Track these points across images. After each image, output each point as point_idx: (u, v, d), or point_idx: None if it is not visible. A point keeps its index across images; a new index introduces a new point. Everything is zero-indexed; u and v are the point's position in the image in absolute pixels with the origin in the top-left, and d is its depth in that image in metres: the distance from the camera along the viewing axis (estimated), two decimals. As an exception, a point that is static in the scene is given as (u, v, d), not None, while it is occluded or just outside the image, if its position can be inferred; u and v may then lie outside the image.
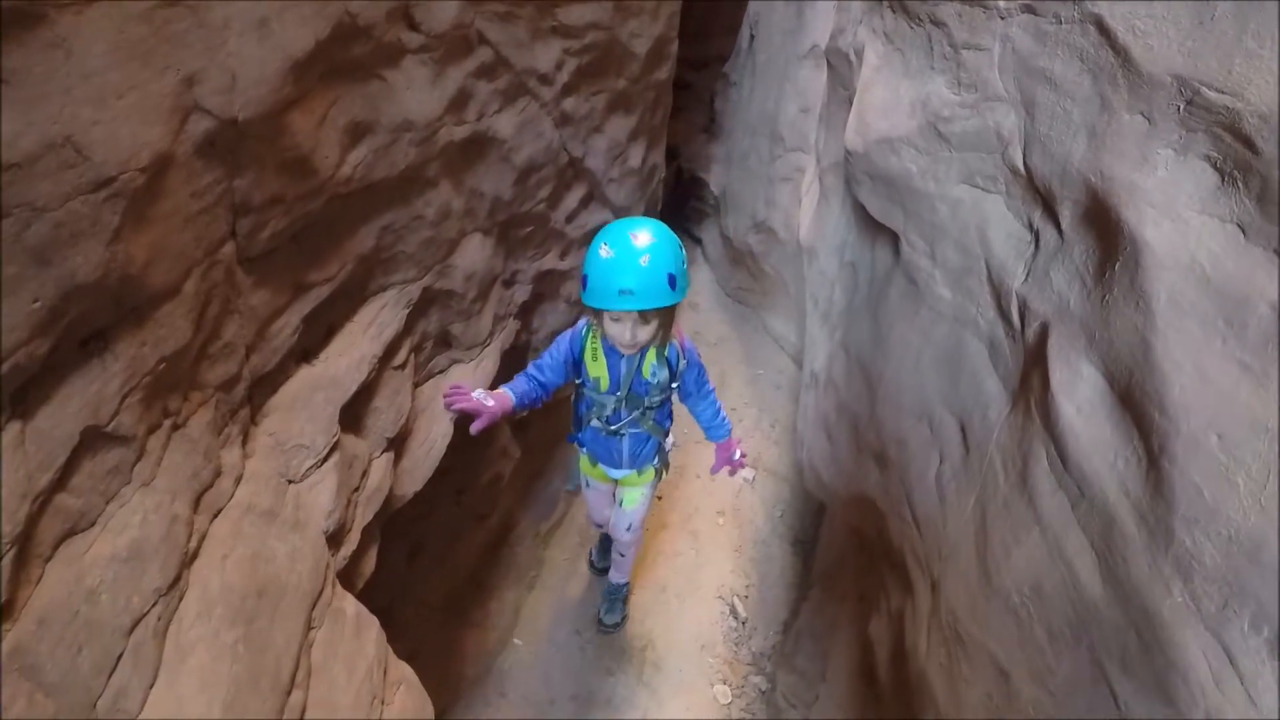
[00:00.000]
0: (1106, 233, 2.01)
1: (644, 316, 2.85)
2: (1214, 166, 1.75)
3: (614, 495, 4.03)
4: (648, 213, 4.94)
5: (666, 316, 2.98)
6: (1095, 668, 1.85)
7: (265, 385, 2.28)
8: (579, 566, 4.94)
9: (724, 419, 3.60)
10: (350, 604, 2.29)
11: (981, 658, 2.31)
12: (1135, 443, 1.81)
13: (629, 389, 3.24)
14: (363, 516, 2.51)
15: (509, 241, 3.57)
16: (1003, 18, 2.52)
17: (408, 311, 2.84)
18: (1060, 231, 2.23)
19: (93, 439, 1.61)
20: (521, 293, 3.85)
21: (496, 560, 4.63)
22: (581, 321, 3.25)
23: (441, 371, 3.29)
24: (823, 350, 4.41)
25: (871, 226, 3.58)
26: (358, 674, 2.16)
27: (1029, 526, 2.15)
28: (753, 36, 6.58)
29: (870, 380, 3.53)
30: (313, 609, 2.10)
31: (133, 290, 1.65)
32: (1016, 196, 2.48)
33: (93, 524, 1.63)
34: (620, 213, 4.41)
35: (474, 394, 3.09)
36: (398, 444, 2.82)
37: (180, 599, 1.78)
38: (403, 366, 2.87)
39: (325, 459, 2.34)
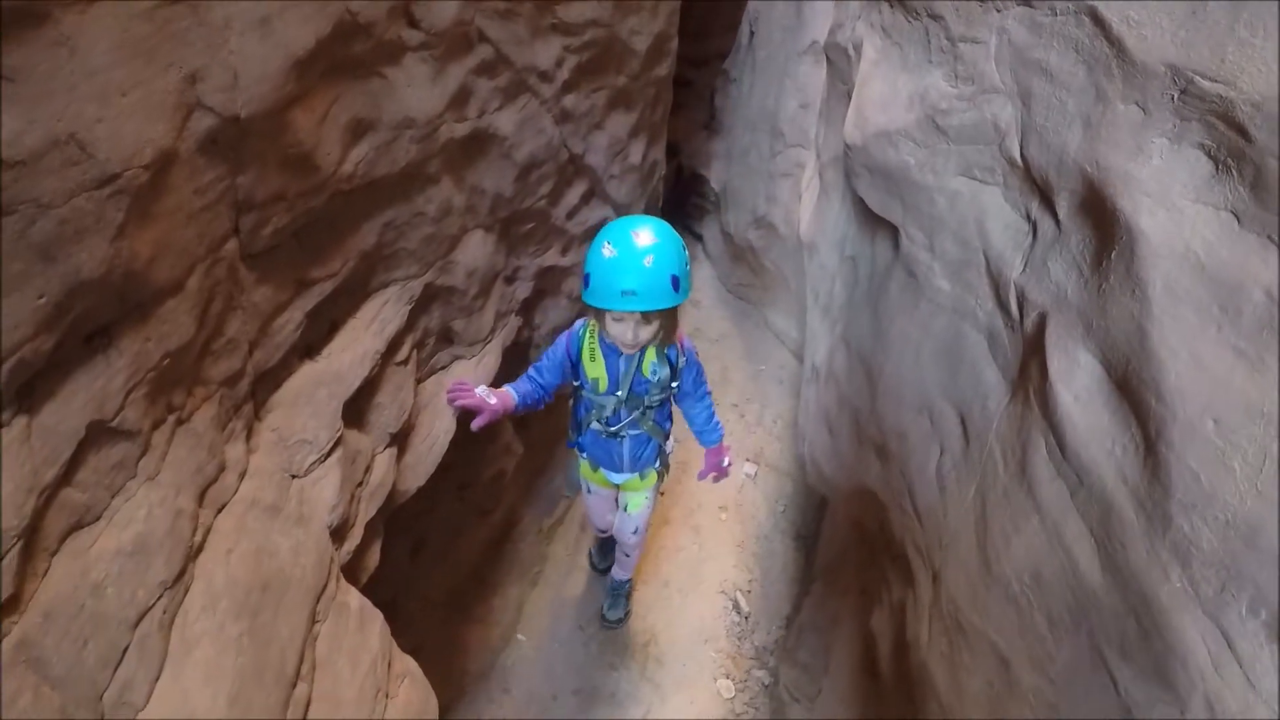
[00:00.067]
0: (1103, 222, 2.02)
1: (646, 317, 2.84)
2: (1208, 155, 1.77)
3: (616, 500, 4.02)
4: (649, 209, 4.94)
5: (669, 317, 2.96)
6: (1095, 654, 1.86)
7: (268, 381, 2.29)
8: (581, 562, 4.95)
9: (717, 423, 3.58)
10: (354, 598, 2.29)
11: (982, 646, 2.32)
12: (1133, 429, 1.82)
13: (629, 388, 3.22)
14: (366, 511, 2.52)
15: (510, 238, 3.57)
16: (999, 10, 2.54)
17: (410, 308, 2.84)
18: (1057, 222, 2.25)
19: (98, 434, 1.61)
20: (523, 289, 3.85)
21: (499, 556, 4.64)
22: (579, 323, 3.24)
23: (444, 368, 3.29)
24: (823, 344, 4.42)
25: (871, 220, 3.59)
26: (362, 667, 2.17)
27: (1028, 515, 2.16)
28: (752, 33, 6.57)
29: (871, 373, 3.53)
30: (317, 603, 2.11)
31: (137, 286, 1.66)
32: (1014, 188, 2.49)
33: (98, 518, 1.64)
34: (621, 209, 4.42)
35: (477, 390, 3.11)
36: (401, 439, 2.83)
37: (185, 593, 1.78)
38: (405, 362, 2.87)
39: (329, 454, 2.34)
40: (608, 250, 2.72)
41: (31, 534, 1.45)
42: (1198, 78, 1.77)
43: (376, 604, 2.39)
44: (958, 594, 2.49)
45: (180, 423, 1.88)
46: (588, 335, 3.17)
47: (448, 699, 3.47)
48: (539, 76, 3.27)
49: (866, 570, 3.76)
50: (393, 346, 2.77)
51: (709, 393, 3.49)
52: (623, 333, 2.90)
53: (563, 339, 3.23)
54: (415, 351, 2.97)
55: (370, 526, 2.56)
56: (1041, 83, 2.33)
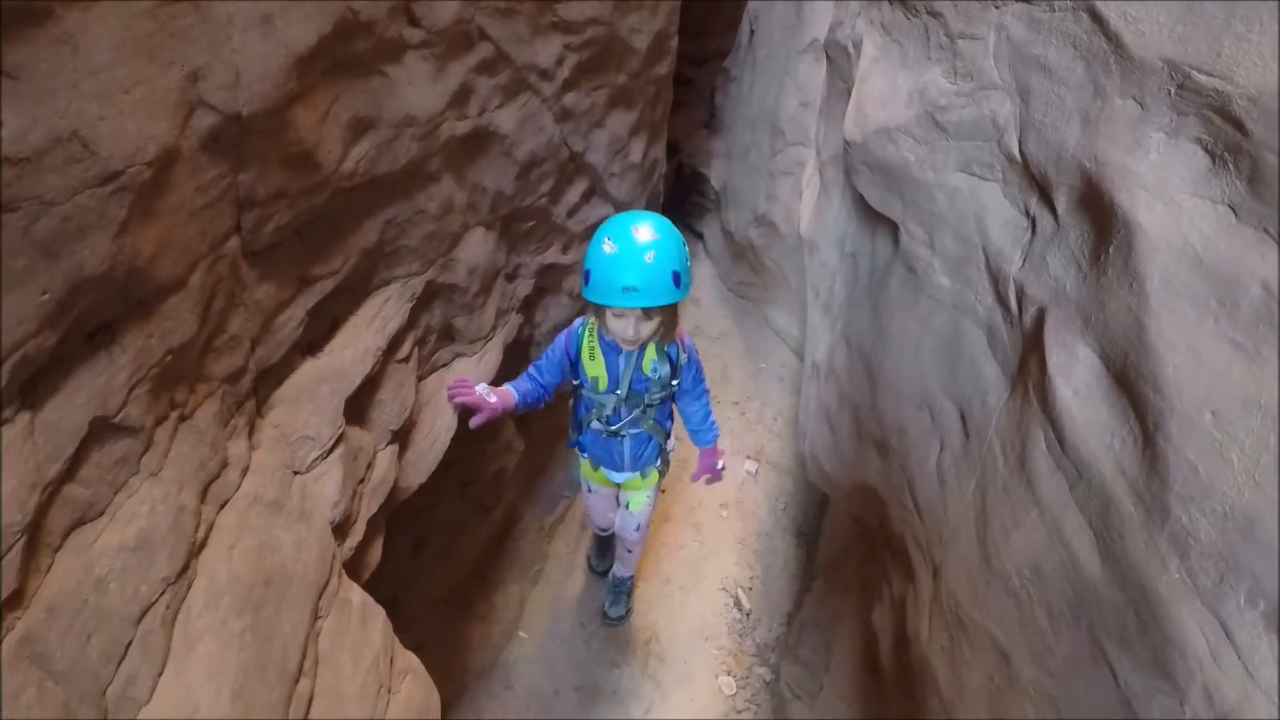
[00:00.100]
0: (1101, 217, 2.03)
1: (647, 313, 2.83)
2: (1205, 149, 1.78)
3: (616, 499, 4.02)
4: (649, 207, 4.94)
5: (670, 313, 2.95)
6: (1094, 646, 1.86)
7: (270, 378, 2.30)
8: (582, 560, 4.96)
9: (713, 423, 3.57)
10: (356, 594, 2.30)
11: (982, 640, 2.33)
12: (1131, 423, 1.83)
13: (629, 387, 3.21)
14: (368, 508, 2.53)
15: (511, 236, 3.58)
16: (997, 6, 2.55)
17: (411, 305, 2.85)
18: (1056, 217, 2.25)
19: (101, 430, 1.63)
20: (524, 287, 3.86)
21: (501, 554, 4.65)
22: (578, 321, 3.24)
23: (445, 365, 3.30)
24: (824, 341, 4.42)
25: (871, 217, 3.60)
26: (364, 663, 2.17)
27: (1028, 509, 2.17)
28: (753, 32, 6.58)
29: (871, 370, 3.54)
30: (319, 599, 2.12)
31: (139, 283, 1.67)
32: (1013, 184, 2.50)
33: (101, 514, 1.65)
34: (621, 207, 4.41)
35: (477, 389, 3.11)
36: (402, 436, 2.84)
37: (188, 588, 1.80)
38: (406, 360, 2.88)
39: (330, 451, 2.35)
40: (608, 246, 2.71)
41: (35, 530, 1.46)
42: (1194, 72, 1.78)
43: (378, 601, 2.39)
44: (958, 589, 2.49)
45: (183, 419, 1.89)
46: (587, 334, 3.16)
47: (449, 696, 3.48)
48: (539, 75, 3.28)
49: (867, 566, 3.77)
50: (394, 344, 2.78)
51: (707, 391, 3.48)
52: (623, 329, 2.88)
53: (561, 337, 3.22)
54: (417, 349, 2.99)
55: (372, 523, 2.57)
56: (1040, 79, 2.34)
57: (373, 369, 2.60)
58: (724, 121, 7.39)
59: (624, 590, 4.57)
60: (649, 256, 2.67)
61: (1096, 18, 2.10)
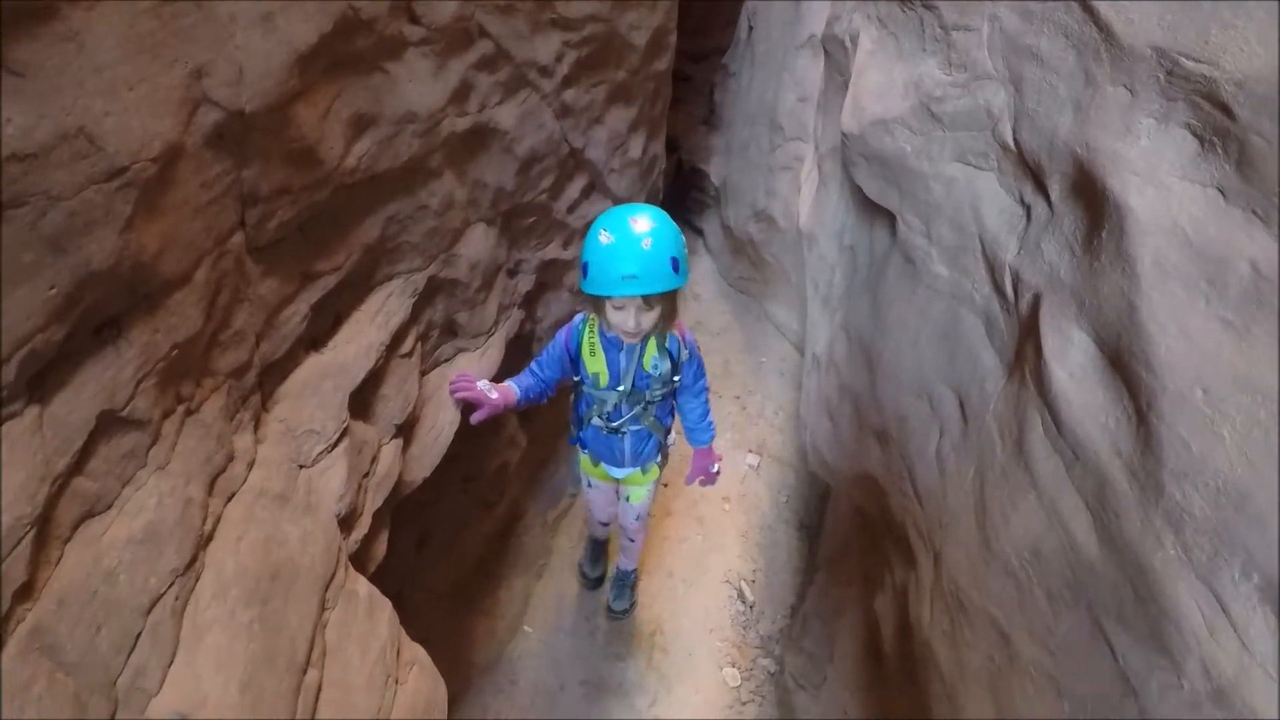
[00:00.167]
0: (1093, 202, 2.06)
1: (648, 302, 2.81)
2: (1194, 134, 1.81)
3: (617, 493, 4.03)
4: (649, 203, 4.94)
5: (669, 302, 2.93)
6: (1093, 624, 1.89)
7: (275, 372, 2.31)
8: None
9: (710, 424, 3.54)
10: (363, 586, 2.31)
11: (983, 622, 2.34)
12: (1125, 403, 1.85)
13: (631, 384, 3.20)
14: (373, 501, 2.54)
15: (512, 231, 3.59)
16: (991, -2, 2.57)
17: (414, 300, 2.86)
18: (1050, 204, 2.28)
19: (108, 424, 1.64)
20: (525, 282, 3.87)
21: (505, 549, 4.66)
22: (578, 317, 3.22)
23: (447, 360, 3.31)
24: (824, 333, 4.44)
25: (869, 209, 3.62)
26: (371, 654, 2.18)
27: (1026, 492, 2.19)
28: (751, 28, 6.60)
29: (870, 360, 3.56)
30: (326, 590, 2.13)
31: (145, 278, 1.68)
32: (1008, 173, 2.53)
33: (109, 507, 1.66)
34: (621, 203, 4.36)
35: (479, 384, 3.11)
36: (406, 431, 2.85)
37: (196, 580, 1.80)
38: (410, 355, 2.89)
39: (335, 444, 2.36)
40: (605, 237, 2.71)
41: (44, 522, 1.47)
42: (1183, 59, 1.81)
43: (384, 594, 2.41)
44: (958, 573, 2.51)
45: (189, 413, 1.90)
46: (587, 330, 3.15)
47: (455, 690, 3.50)
48: (539, 71, 3.29)
49: (869, 557, 3.78)
50: (397, 339, 2.79)
51: (707, 389, 3.47)
52: (624, 321, 2.86)
53: (562, 333, 3.21)
54: (419, 344, 3.00)
55: (377, 516, 2.58)
56: (1033, 68, 2.37)
57: (376, 364, 2.61)
58: (723, 118, 7.40)
59: (628, 584, 4.58)
60: (646, 244, 2.66)
61: (1087, 7, 2.14)
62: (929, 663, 2.64)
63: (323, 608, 2.10)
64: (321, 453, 2.33)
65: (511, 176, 3.34)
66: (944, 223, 2.82)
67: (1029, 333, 2.29)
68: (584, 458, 3.75)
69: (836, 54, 4.19)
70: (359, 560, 2.49)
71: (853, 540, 4.10)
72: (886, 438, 3.33)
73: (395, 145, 2.54)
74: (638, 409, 3.30)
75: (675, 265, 2.73)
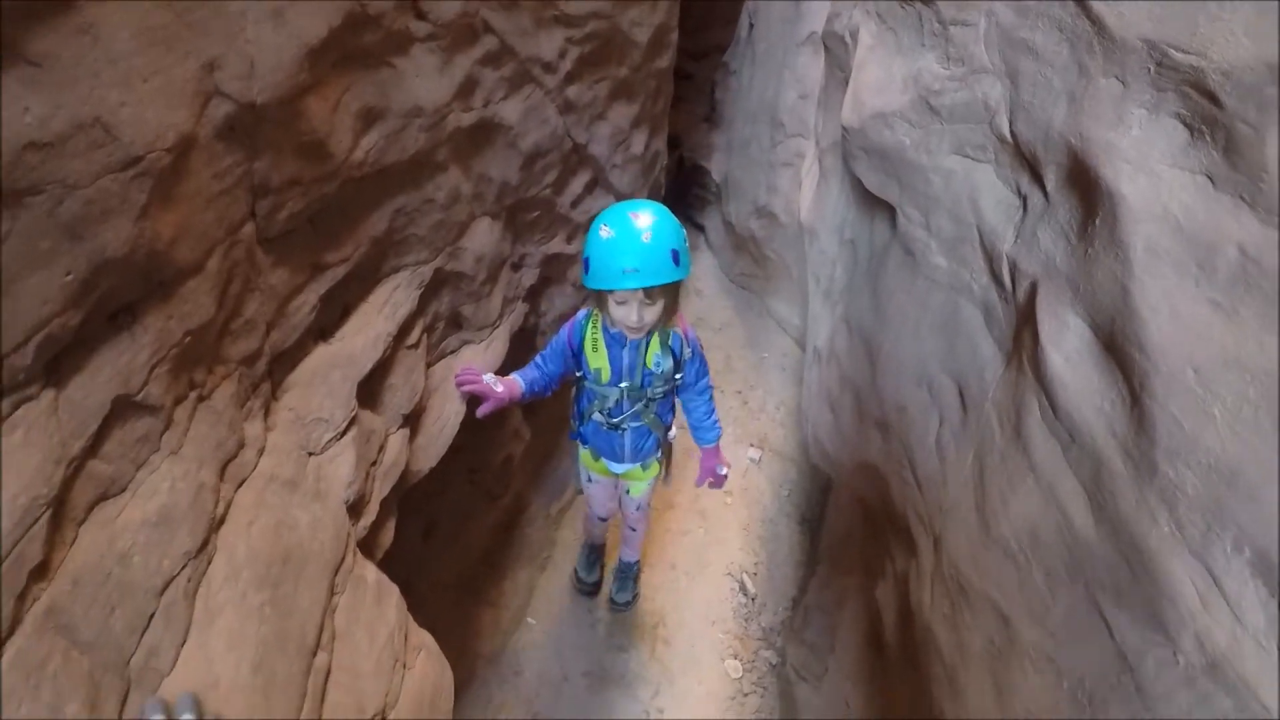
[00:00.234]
0: (1087, 191, 2.10)
1: (649, 296, 2.80)
2: (1183, 123, 1.86)
3: (616, 487, 4.04)
4: (651, 199, 4.96)
5: (671, 296, 2.93)
6: (1090, 604, 1.92)
7: (285, 361, 2.34)
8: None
9: (715, 421, 3.53)
10: (371, 572, 2.33)
11: (983, 605, 2.38)
12: (1119, 385, 1.89)
13: (632, 380, 3.21)
14: (380, 489, 2.56)
15: (516, 225, 3.61)
16: (987, -7, 2.62)
17: (420, 292, 2.88)
18: (1045, 194, 2.32)
19: (123, 408, 1.67)
20: (529, 276, 3.89)
21: (509, 540, 4.68)
22: (581, 312, 3.23)
23: (453, 352, 3.33)
24: (825, 326, 4.47)
25: (869, 203, 3.65)
26: (380, 639, 2.20)
27: (1024, 475, 2.23)
28: (751, 25, 6.61)
29: (871, 351, 3.59)
30: (335, 575, 2.14)
31: (159, 266, 1.71)
32: (1005, 164, 2.56)
33: (124, 490, 1.68)
34: (624, 198, 4.43)
35: (484, 377, 3.12)
36: (412, 421, 2.87)
37: (208, 563, 1.83)
38: (416, 346, 2.91)
39: (344, 433, 2.39)
40: (605, 232, 2.72)
41: (60, 504, 1.50)
42: (1172, 50, 1.86)
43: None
44: (958, 557, 2.54)
45: (201, 399, 1.93)
46: (590, 325, 3.16)
47: (460, 680, 3.50)
48: (543, 67, 3.31)
49: (870, 548, 3.80)
50: (404, 330, 2.81)
51: (711, 386, 3.46)
52: (627, 315, 2.86)
53: (565, 328, 3.22)
54: (426, 335, 3.02)
55: (385, 504, 2.60)
56: (1028, 61, 2.41)
57: (384, 354, 2.63)
58: (724, 115, 7.42)
59: (630, 576, 4.60)
60: (646, 237, 2.67)
61: (1080, 1, 2.17)
62: (930, 647, 2.67)
63: (332, 592, 2.12)
64: (330, 440, 2.35)
65: (516, 171, 3.36)
66: (943, 214, 2.86)
67: (1026, 320, 2.33)
68: (584, 453, 3.75)
69: (837, 50, 4.22)
70: (367, 547, 2.51)
71: (854, 532, 4.12)
72: (887, 427, 3.36)
73: (402, 139, 2.57)
74: (639, 406, 3.30)
75: (676, 258, 2.73)
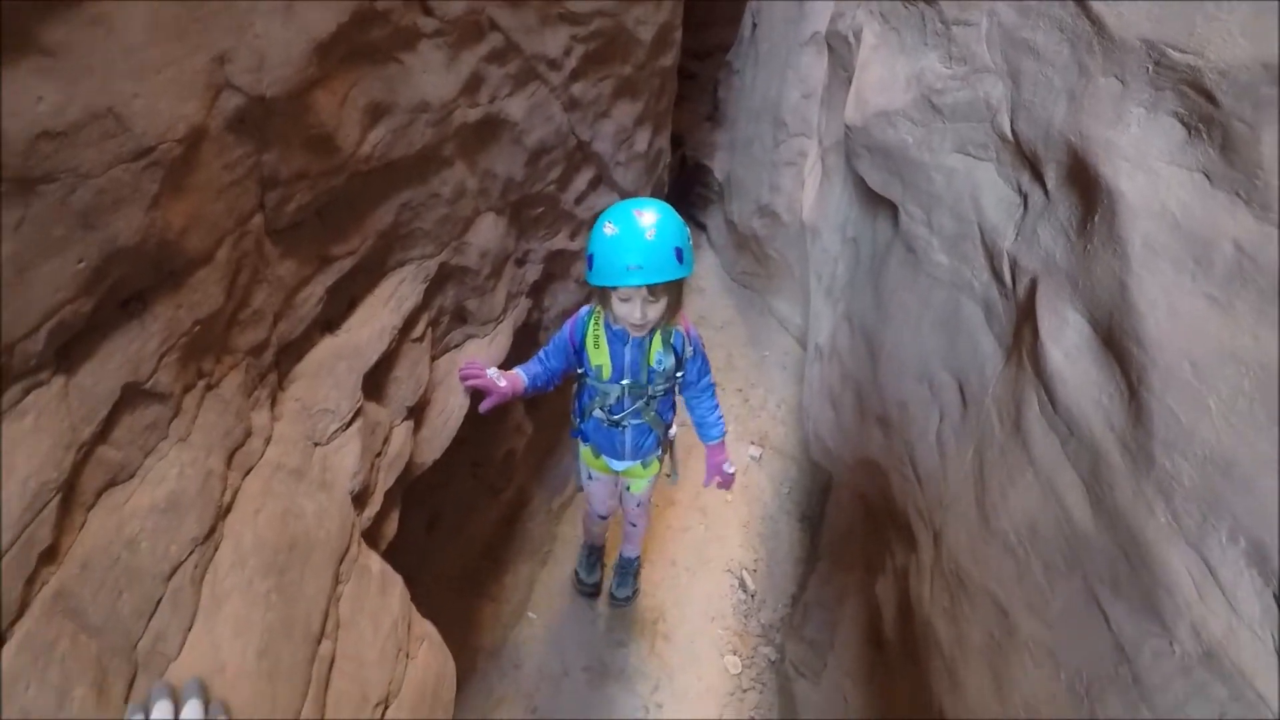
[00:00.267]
0: (1087, 188, 2.13)
1: (653, 293, 2.81)
2: (1181, 121, 1.89)
3: (617, 484, 4.05)
4: (654, 197, 4.98)
5: (675, 294, 2.93)
6: (1088, 595, 1.94)
7: (291, 352, 2.35)
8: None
9: (719, 418, 3.54)
10: (375, 562, 2.34)
11: (982, 598, 2.40)
12: (1117, 379, 1.91)
13: (634, 377, 3.21)
14: (385, 480, 2.57)
15: (521, 221, 3.63)
16: (989, -7, 2.65)
17: (425, 286, 2.90)
18: (1046, 191, 2.34)
19: (132, 395, 1.69)
20: (533, 272, 3.91)
21: (511, 535, 4.70)
22: (584, 308, 3.24)
23: (457, 346, 3.34)
24: (827, 323, 4.49)
25: (872, 201, 3.67)
26: (384, 628, 2.21)
27: (1024, 469, 2.25)
28: (755, 25, 6.63)
29: (873, 348, 3.60)
30: (340, 564, 2.15)
31: (170, 255, 1.73)
32: (1006, 162, 2.59)
33: (132, 476, 1.70)
34: (627, 196, 4.38)
35: (488, 372, 3.15)
36: (417, 413, 2.88)
37: (215, 550, 1.84)
38: (421, 339, 2.93)
39: (349, 424, 2.40)
40: (610, 229, 2.73)
41: (69, 488, 1.52)
42: (1170, 50, 1.89)
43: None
44: (958, 551, 2.56)
45: (209, 388, 1.95)
46: (592, 321, 3.17)
47: (461, 673, 3.50)
48: (548, 64, 3.33)
49: (870, 545, 3.81)
50: (409, 323, 2.83)
51: (714, 384, 3.47)
52: (630, 312, 2.87)
53: (567, 324, 3.23)
54: (430, 329, 3.03)
55: (389, 495, 2.62)
56: (1029, 61, 2.44)
57: (389, 347, 2.65)
58: (727, 114, 7.43)
59: (630, 571, 4.62)
60: (650, 235, 2.68)
61: (1081, 2, 2.20)
62: (929, 641, 2.69)
63: (337, 581, 2.13)
64: (336, 431, 2.37)
65: (521, 167, 3.38)
66: (944, 212, 2.88)
67: (1026, 316, 2.35)
68: (585, 450, 3.76)
69: (840, 50, 4.25)
70: (371, 538, 2.52)
71: (854, 529, 4.14)
72: (888, 423, 3.38)
73: (409, 134, 2.58)
74: (640, 403, 3.32)
75: (680, 255, 2.74)
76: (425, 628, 2.47)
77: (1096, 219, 2.04)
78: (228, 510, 1.93)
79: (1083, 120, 2.15)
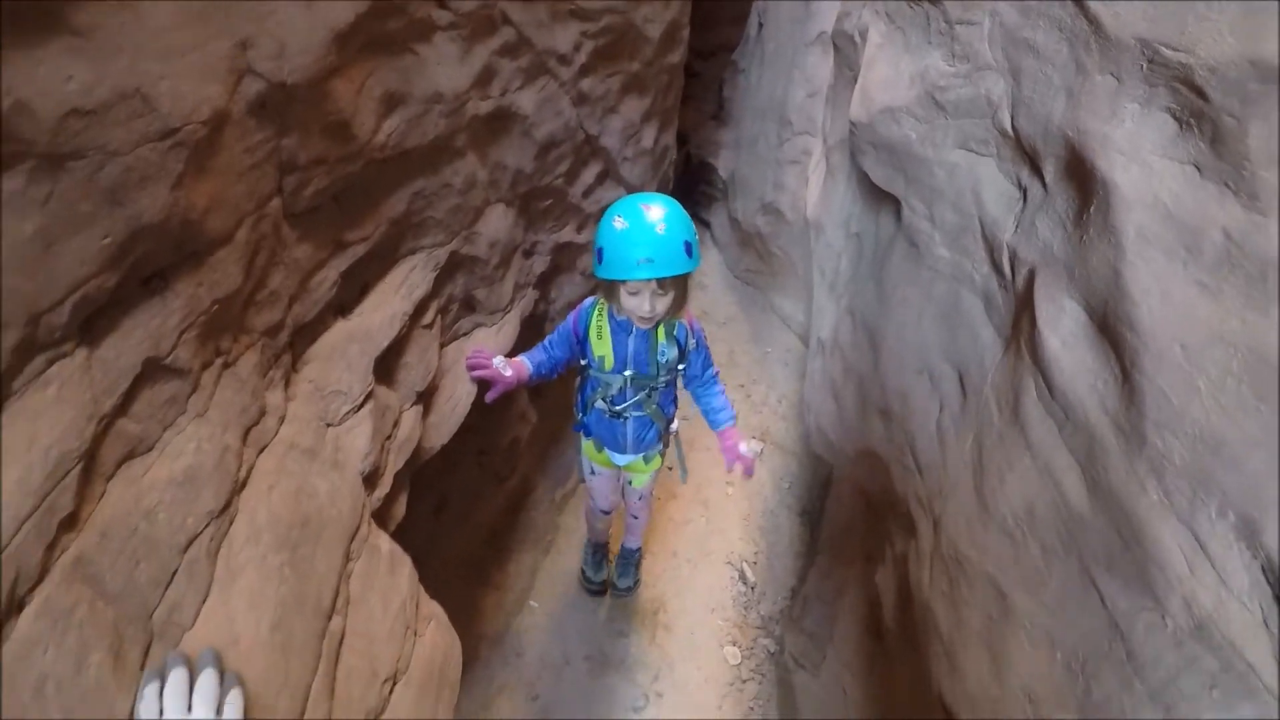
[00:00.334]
0: (1083, 181, 2.19)
1: (662, 287, 2.83)
2: (1173, 116, 1.97)
3: (619, 479, 4.06)
4: (659, 193, 5.01)
5: (681, 287, 2.95)
6: (1083, 574, 1.99)
7: (306, 335, 2.39)
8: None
9: (727, 402, 3.52)
10: (385, 542, 2.38)
11: (980, 581, 2.44)
12: (1112, 363, 1.97)
13: (637, 368, 3.22)
14: (394, 463, 2.61)
15: (529, 213, 3.67)
16: (991, -6, 2.71)
17: (436, 274, 2.94)
18: (1044, 185, 2.40)
19: (152, 370, 1.73)
20: (540, 263, 3.95)
21: (515, 523, 4.74)
22: (588, 300, 3.25)
23: (465, 334, 3.38)
24: (829, 317, 4.53)
25: (875, 197, 3.71)
26: (393, 606, 2.24)
27: (1021, 454, 2.30)
28: (761, 25, 6.67)
29: (874, 341, 3.64)
30: (351, 542, 2.19)
31: (192, 234, 1.78)
32: (1006, 158, 2.64)
33: (151, 449, 1.74)
34: (634, 190, 4.49)
35: (494, 361, 3.17)
36: (426, 399, 2.92)
37: (230, 524, 1.87)
38: (430, 326, 2.97)
39: (361, 406, 2.45)
40: (619, 223, 2.74)
41: (90, 458, 1.56)
42: (1163, 48, 1.97)
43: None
44: (957, 536, 2.61)
45: (227, 366, 1.99)
46: (596, 313, 3.18)
47: (464, 660, 3.57)
48: (558, 59, 3.38)
49: (870, 538, 3.84)
50: (419, 310, 2.87)
51: (717, 375, 3.49)
52: (638, 305, 2.89)
53: (571, 315, 3.25)
54: (440, 316, 3.07)
55: (398, 478, 2.65)
56: (1029, 59, 2.50)
57: (400, 332, 2.69)
58: (732, 113, 7.48)
59: (632, 562, 4.64)
60: (660, 229, 2.70)
61: (1079, 2, 2.27)
62: (929, 625, 2.73)
63: (348, 558, 2.16)
64: (348, 413, 2.41)
65: (530, 160, 3.42)
66: (946, 206, 2.93)
67: (1025, 306, 2.40)
68: (587, 444, 3.78)
69: (846, 49, 4.30)
70: (381, 518, 2.55)
71: (854, 524, 4.16)
72: (889, 415, 3.42)
73: (423, 124, 2.63)
74: (641, 395, 3.33)
75: (689, 249, 2.76)
76: (433, 608, 2.50)
77: (1092, 210, 2.10)
78: (243, 486, 1.96)
79: (1080, 116, 2.22)
